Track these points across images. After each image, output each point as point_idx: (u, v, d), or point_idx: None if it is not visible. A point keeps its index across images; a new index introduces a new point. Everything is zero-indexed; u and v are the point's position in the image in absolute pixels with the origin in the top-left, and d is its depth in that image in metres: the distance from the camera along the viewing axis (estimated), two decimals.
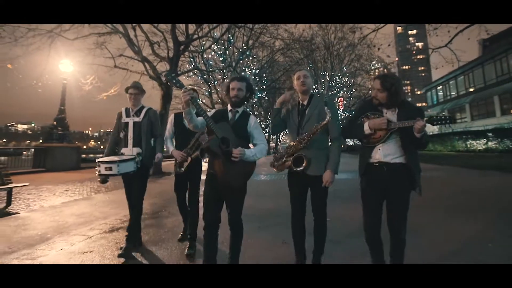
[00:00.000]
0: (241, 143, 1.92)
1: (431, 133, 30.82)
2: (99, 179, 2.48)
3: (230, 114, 2.05)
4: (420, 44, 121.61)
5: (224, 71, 16.34)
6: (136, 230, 2.65)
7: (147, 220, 3.57)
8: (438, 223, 3.25)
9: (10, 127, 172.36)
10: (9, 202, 4.39)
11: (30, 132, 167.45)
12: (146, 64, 10.36)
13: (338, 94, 23.62)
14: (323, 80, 23.04)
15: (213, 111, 2.15)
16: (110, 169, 2.30)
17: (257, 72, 18.35)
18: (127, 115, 2.67)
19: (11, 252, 2.56)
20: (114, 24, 10.23)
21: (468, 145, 21.57)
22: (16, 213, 4.04)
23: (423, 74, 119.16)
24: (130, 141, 2.60)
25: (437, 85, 31.70)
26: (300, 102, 2.13)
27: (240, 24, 11.70)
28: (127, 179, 2.61)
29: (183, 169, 2.68)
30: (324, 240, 2.07)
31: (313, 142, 1.98)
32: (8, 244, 2.78)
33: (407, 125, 1.67)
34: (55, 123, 11.58)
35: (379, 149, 1.82)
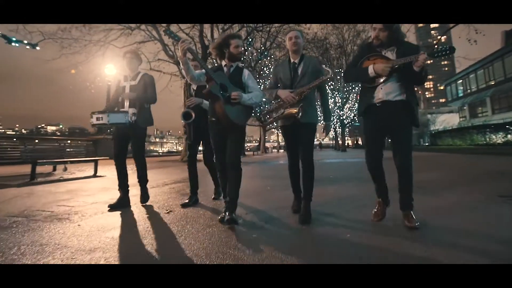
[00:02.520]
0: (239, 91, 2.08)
1: (450, 127, 30.48)
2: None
3: (225, 69, 2.19)
4: (443, 38, 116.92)
5: None
6: (145, 180, 2.89)
7: None
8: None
9: (40, 129, 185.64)
10: (96, 170, 5.99)
11: (58, 134, 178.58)
12: (179, 66, 11.95)
13: (354, 90, 24.19)
14: (338, 77, 23.74)
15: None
16: (101, 119, 2.52)
17: None
18: (125, 80, 2.86)
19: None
20: (151, 32, 11.91)
21: (488, 139, 21.47)
22: (104, 176, 5.61)
23: (446, 69, 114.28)
24: (127, 103, 2.77)
25: (457, 79, 31.15)
26: (292, 60, 2.25)
27: (259, 28, 12.98)
28: (120, 139, 2.79)
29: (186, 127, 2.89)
30: (312, 184, 2.17)
31: (305, 97, 2.15)
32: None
33: (409, 60, 1.70)
34: None
35: (381, 88, 1.86)
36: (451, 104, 34.18)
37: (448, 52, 1.68)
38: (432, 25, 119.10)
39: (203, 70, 2.04)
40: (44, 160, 5.01)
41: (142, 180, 2.88)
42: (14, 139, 5.23)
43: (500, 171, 4.82)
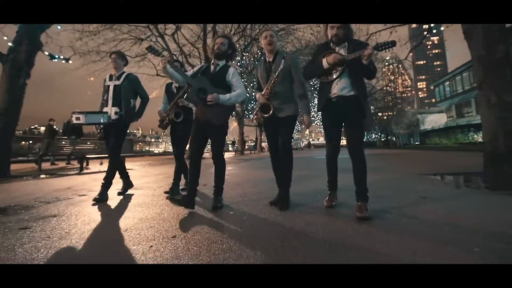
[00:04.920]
0: (219, 92, 2.20)
1: (438, 127, 32.04)
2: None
3: (212, 67, 2.34)
4: (435, 38, 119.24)
5: (242, 75, 19.03)
6: (111, 177, 2.86)
7: None
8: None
9: (33, 130, 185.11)
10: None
11: None
12: None
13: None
14: None
15: (197, 66, 2.46)
16: (79, 119, 2.67)
17: None
18: (110, 80, 2.97)
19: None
20: (157, 40, 13.11)
21: (470, 138, 23.04)
22: (131, 169, 6.85)
23: (439, 69, 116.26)
24: (110, 101, 2.88)
25: (445, 81, 32.64)
26: (267, 59, 2.34)
27: (257, 38, 14.21)
28: (108, 135, 2.92)
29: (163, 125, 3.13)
30: (291, 174, 2.29)
31: (278, 94, 2.22)
32: (144, 175, 5.49)
33: (358, 54, 1.86)
34: None
35: (337, 83, 2.02)
36: (439, 105, 35.74)
37: (390, 45, 1.84)
38: (425, 26, 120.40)
39: (186, 73, 2.25)
40: (91, 156, 6.27)
41: (107, 181, 2.82)
42: (65, 143, 6.44)
43: (456, 164, 6.15)
